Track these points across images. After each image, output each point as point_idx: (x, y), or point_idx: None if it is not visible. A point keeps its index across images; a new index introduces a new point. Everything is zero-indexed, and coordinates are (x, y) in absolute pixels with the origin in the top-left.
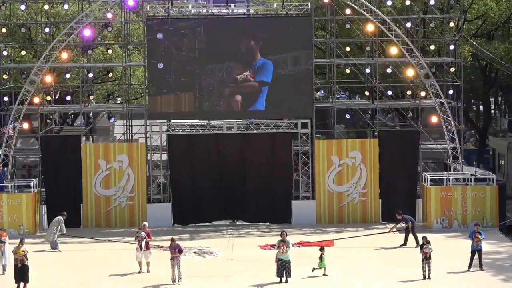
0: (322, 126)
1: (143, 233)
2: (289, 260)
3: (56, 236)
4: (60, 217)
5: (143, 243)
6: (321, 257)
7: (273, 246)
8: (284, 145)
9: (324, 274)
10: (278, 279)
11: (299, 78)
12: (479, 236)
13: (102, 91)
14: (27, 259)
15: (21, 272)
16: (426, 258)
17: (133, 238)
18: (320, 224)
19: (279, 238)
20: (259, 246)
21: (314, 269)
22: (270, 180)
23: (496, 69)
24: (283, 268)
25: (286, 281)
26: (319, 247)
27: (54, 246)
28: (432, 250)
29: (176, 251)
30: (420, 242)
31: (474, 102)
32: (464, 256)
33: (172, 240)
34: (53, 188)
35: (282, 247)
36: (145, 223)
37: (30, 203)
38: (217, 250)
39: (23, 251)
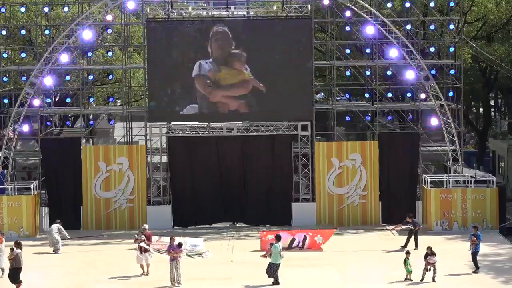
0: (322, 128)
1: (142, 236)
2: (278, 264)
3: (60, 243)
4: (58, 225)
5: (142, 245)
6: (405, 262)
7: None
8: (284, 147)
9: (406, 279)
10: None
11: (299, 81)
12: (474, 239)
13: (102, 93)
14: (15, 262)
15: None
16: (430, 269)
17: (132, 241)
18: (320, 226)
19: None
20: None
21: (406, 278)
22: (270, 182)
23: (496, 71)
24: (271, 270)
25: (274, 283)
26: (405, 251)
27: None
28: (436, 261)
29: (175, 248)
30: (419, 248)
31: (474, 104)
32: (464, 258)
33: (172, 239)
34: (53, 190)
35: (267, 252)
36: (145, 225)
37: (30, 205)
38: (208, 251)
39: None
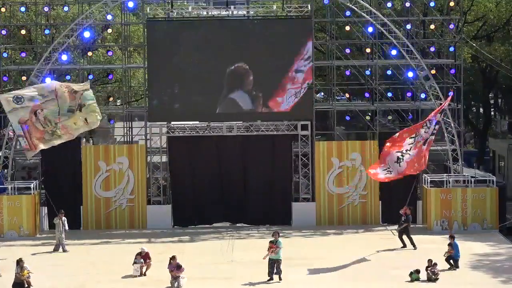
0: (322, 128)
1: (141, 261)
2: (279, 259)
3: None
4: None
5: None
6: (411, 274)
7: None
8: (284, 147)
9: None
10: (274, 280)
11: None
12: (449, 249)
13: (102, 93)
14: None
15: None
16: (431, 280)
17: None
18: (320, 225)
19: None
20: None
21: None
22: (270, 182)
23: (496, 70)
24: (273, 267)
25: (280, 279)
26: (415, 270)
27: (61, 247)
28: (438, 270)
29: (175, 269)
30: (417, 247)
31: (474, 104)
32: (463, 257)
33: (173, 258)
34: (53, 190)
35: (272, 249)
36: (143, 247)
37: (30, 205)
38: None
39: (28, 272)
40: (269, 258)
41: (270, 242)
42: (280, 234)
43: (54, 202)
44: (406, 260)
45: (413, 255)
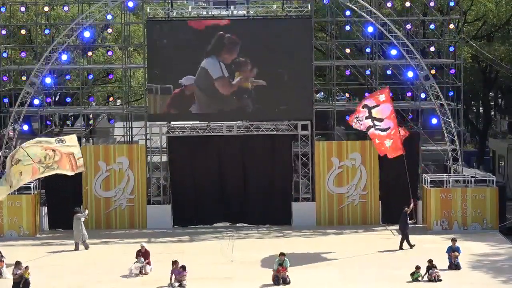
0: (322, 127)
1: (142, 259)
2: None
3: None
4: (77, 215)
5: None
6: (413, 274)
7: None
8: (284, 146)
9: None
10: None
11: (299, 80)
12: (456, 253)
13: (102, 92)
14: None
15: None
16: (432, 280)
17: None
18: (320, 225)
19: (277, 258)
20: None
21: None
22: (270, 181)
23: (496, 70)
24: (279, 282)
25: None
26: (416, 266)
27: (86, 245)
28: (438, 273)
29: (180, 272)
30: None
31: (474, 103)
32: (463, 257)
33: (175, 262)
34: (53, 189)
35: (281, 272)
36: (143, 244)
37: (30, 205)
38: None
39: (29, 273)
40: (277, 276)
41: (279, 265)
42: (282, 233)
43: (53, 202)
44: (406, 260)
45: (413, 255)
